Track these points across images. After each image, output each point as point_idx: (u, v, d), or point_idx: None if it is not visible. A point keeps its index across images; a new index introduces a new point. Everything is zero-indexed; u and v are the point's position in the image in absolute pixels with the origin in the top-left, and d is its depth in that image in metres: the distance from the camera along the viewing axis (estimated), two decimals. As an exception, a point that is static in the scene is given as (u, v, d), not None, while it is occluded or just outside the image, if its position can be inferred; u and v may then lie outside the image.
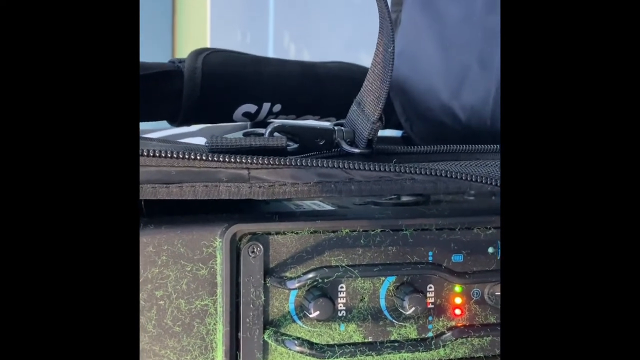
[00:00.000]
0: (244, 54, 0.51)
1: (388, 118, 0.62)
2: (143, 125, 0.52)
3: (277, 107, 0.51)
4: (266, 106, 0.50)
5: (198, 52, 0.47)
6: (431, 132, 0.55)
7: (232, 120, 0.50)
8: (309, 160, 0.32)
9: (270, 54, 1.83)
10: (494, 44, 0.45)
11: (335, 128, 0.36)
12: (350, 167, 0.32)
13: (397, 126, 0.63)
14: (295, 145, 0.34)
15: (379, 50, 0.35)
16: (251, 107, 0.49)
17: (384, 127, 0.64)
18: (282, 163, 0.31)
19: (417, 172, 0.32)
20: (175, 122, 0.47)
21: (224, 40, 2.69)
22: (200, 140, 0.54)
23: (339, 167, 0.32)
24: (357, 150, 0.35)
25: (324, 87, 0.55)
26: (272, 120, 0.54)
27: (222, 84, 0.46)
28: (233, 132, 0.55)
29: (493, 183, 0.32)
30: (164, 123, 0.51)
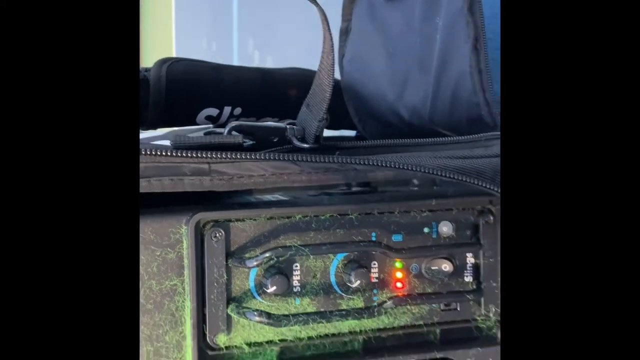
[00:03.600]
0: (204, 62, 0.55)
1: (343, 119, 0.67)
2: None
3: (238, 110, 0.56)
4: (227, 109, 0.55)
5: (162, 62, 0.51)
6: (381, 131, 0.60)
7: (196, 124, 0.54)
8: (264, 154, 0.36)
9: (235, 61, 1.87)
10: (430, 49, 0.50)
11: (288, 127, 0.40)
12: (300, 159, 0.36)
13: (351, 126, 0.68)
14: (252, 142, 0.38)
15: (322, 58, 0.39)
16: (213, 111, 0.54)
17: (339, 128, 0.69)
18: (240, 157, 0.36)
19: (358, 162, 0.37)
20: (142, 126, 0.51)
21: (189, 48, 2.72)
22: (166, 143, 0.58)
23: (290, 159, 0.36)
24: (306, 145, 0.39)
25: (280, 91, 0.59)
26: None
27: (184, 91, 0.51)
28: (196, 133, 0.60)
29: (423, 171, 0.37)
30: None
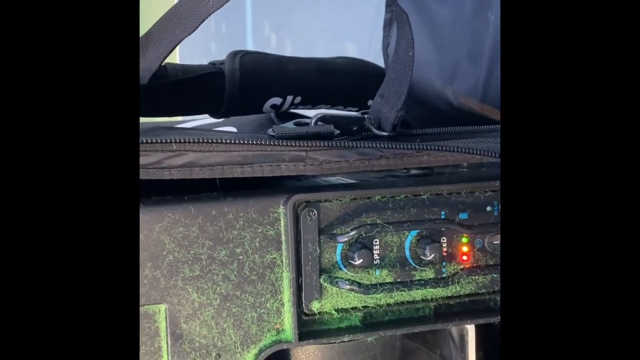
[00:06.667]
0: (268, 54, 0.59)
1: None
2: (172, 118, 0.61)
3: (298, 99, 0.60)
4: (289, 98, 0.59)
5: (234, 55, 0.55)
6: (427, 116, 0.64)
7: (262, 112, 0.58)
8: (351, 143, 0.41)
9: (250, 44, 1.90)
10: (481, 42, 0.55)
11: (365, 116, 0.45)
12: (383, 146, 0.41)
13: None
14: (338, 131, 0.43)
15: (399, 53, 0.44)
16: (277, 100, 0.58)
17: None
18: (332, 145, 0.40)
19: (433, 148, 0.42)
20: (216, 115, 0.55)
21: (196, 31, 2.71)
22: (231, 129, 0.63)
23: (374, 147, 0.41)
24: (385, 134, 0.44)
25: (334, 80, 0.63)
26: (293, 110, 0.63)
27: (256, 82, 0.55)
28: (255, 122, 0.64)
29: (493, 155, 0.41)
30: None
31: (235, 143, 0.39)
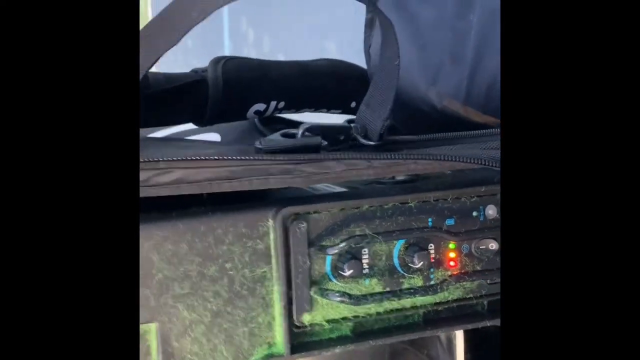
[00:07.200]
0: (250, 59, 0.59)
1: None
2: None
3: (282, 104, 0.59)
4: (273, 104, 0.58)
5: (216, 61, 0.54)
6: (410, 118, 0.64)
7: (246, 118, 0.58)
8: (339, 154, 0.41)
9: (227, 38, 1.88)
10: (463, 43, 0.55)
11: (352, 125, 0.45)
12: (371, 157, 0.41)
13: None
14: (325, 143, 0.43)
15: (384, 61, 0.43)
16: (261, 106, 0.57)
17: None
18: (321, 158, 0.40)
19: (422, 157, 0.42)
20: (200, 123, 0.55)
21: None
22: (215, 136, 0.62)
23: (362, 158, 0.41)
24: (372, 143, 0.44)
25: (317, 83, 0.63)
26: (277, 115, 0.62)
27: (239, 89, 0.54)
28: (239, 128, 0.63)
29: (479, 163, 0.41)
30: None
31: (223, 159, 0.39)
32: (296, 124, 0.57)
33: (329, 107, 0.66)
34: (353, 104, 0.67)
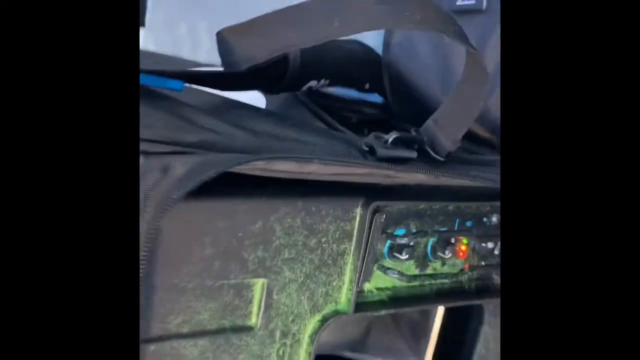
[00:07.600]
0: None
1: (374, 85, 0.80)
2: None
3: (327, 82, 0.67)
4: (322, 81, 0.66)
5: None
6: (418, 114, 0.75)
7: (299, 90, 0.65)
8: (424, 167, 0.51)
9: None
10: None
11: (424, 139, 0.54)
12: (446, 174, 0.51)
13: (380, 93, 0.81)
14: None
15: (466, 85, 0.51)
16: (314, 83, 0.65)
17: (371, 92, 0.82)
18: (415, 169, 0.49)
19: (473, 177, 0.53)
20: (270, 92, 0.61)
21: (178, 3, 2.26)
22: (258, 95, 0.68)
23: (440, 174, 0.51)
24: (441, 159, 0.54)
25: (352, 66, 0.71)
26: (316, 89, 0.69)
27: (309, 67, 0.61)
28: (282, 95, 0.69)
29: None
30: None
31: (347, 163, 0.46)
32: (331, 99, 0.65)
33: (350, 86, 0.75)
34: (367, 86, 0.76)
